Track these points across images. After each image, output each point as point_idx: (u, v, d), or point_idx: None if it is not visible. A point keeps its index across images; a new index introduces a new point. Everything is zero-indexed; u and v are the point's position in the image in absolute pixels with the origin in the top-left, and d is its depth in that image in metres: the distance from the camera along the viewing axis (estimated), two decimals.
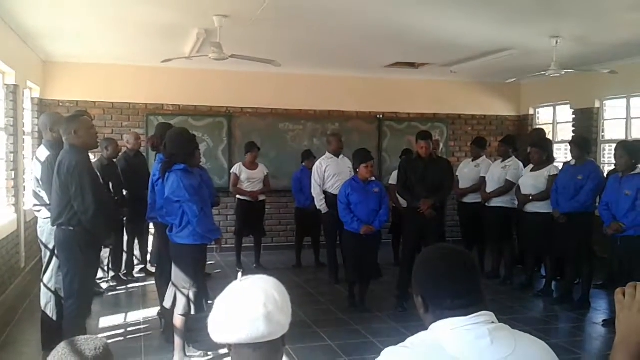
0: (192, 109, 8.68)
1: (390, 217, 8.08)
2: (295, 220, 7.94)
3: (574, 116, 8.55)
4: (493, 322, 1.51)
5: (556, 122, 9.22)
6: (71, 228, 3.93)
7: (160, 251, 4.91)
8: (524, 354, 1.48)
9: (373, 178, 5.63)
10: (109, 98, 8.31)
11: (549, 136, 8.92)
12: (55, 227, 4.01)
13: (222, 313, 1.40)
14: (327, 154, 6.99)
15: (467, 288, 1.53)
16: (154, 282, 5.62)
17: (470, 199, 7.18)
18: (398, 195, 6.57)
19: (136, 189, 6.50)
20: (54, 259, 4.24)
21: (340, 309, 5.72)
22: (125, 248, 6.84)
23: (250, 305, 1.37)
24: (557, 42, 6.06)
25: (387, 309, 5.70)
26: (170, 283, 4.28)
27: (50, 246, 4.26)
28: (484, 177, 6.94)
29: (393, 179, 7.25)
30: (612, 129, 8.14)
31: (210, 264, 7.62)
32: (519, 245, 6.85)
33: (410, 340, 1.53)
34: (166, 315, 4.62)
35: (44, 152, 4.42)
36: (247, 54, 5.86)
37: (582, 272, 5.88)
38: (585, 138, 6.45)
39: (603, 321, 5.37)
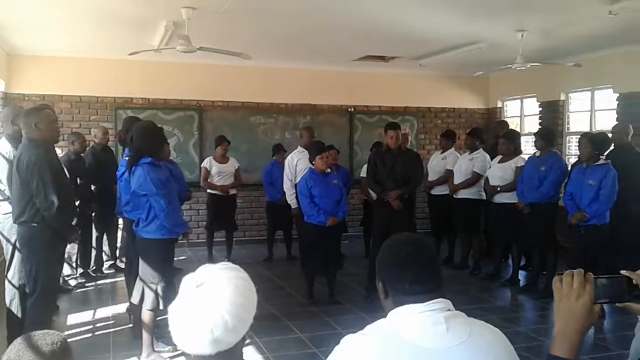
0: (162, 102, 8.58)
1: (362, 209, 8.27)
2: (267, 213, 7.94)
3: (540, 109, 8.72)
4: (449, 310, 1.55)
5: (523, 114, 9.39)
6: (34, 224, 3.87)
7: (128, 246, 4.86)
8: (478, 340, 1.51)
9: (329, 170, 5.66)
10: (76, 91, 8.16)
11: (517, 128, 9.10)
12: (17, 224, 3.93)
13: (171, 324, 1.31)
14: (299, 147, 6.98)
15: (426, 273, 1.57)
16: (123, 277, 5.56)
17: (439, 190, 7.29)
18: (369, 188, 6.61)
19: (104, 183, 6.43)
20: (17, 254, 4.16)
21: (311, 301, 5.73)
22: (93, 244, 6.75)
23: (196, 328, 1.27)
24: (522, 36, 6.16)
25: (357, 300, 5.74)
26: (138, 278, 4.24)
27: (12, 240, 4.18)
28: (452, 170, 7.03)
29: (364, 171, 7.29)
30: (577, 121, 8.31)
31: (181, 258, 7.59)
32: (487, 235, 6.97)
33: (369, 327, 1.56)
34: (135, 311, 4.58)
35: (5, 146, 4.33)
36: (215, 46, 5.81)
37: (547, 262, 6.01)
38: (550, 130, 6.58)
39: None
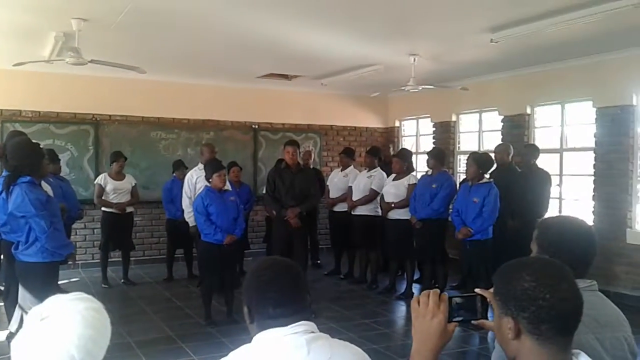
0: (54, 115, 8.14)
1: (265, 226, 8.28)
2: (166, 232, 7.72)
3: (434, 129, 9.18)
4: (313, 332, 1.58)
5: (419, 134, 9.84)
6: None
7: (6, 269, 4.55)
8: None
9: (228, 187, 5.63)
10: None
11: (413, 147, 9.53)
12: None
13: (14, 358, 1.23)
14: (200, 164, 6.88)
15: (290, 297, 1.59)
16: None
17: (339, 207, 7.45)
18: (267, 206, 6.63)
19: None
20: None
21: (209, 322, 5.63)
22: None
23: None
24: (415, 60, 6.48)
25: None
26: (17, 304, 3.98)
27: None
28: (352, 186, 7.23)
29: None
30: (467, 141, 8.83)
31: (74, 280, 7.21)
32: (383, 250, 7.19)
33: (232, 353, 1.57)
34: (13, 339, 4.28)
35: None
36: (110, 59, 5.63)
37: (438, 274, 6.31)
38: (441, 150, 6.95)
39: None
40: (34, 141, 4.18)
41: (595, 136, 6.71)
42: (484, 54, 6.49)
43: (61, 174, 6.84)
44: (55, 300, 1.30)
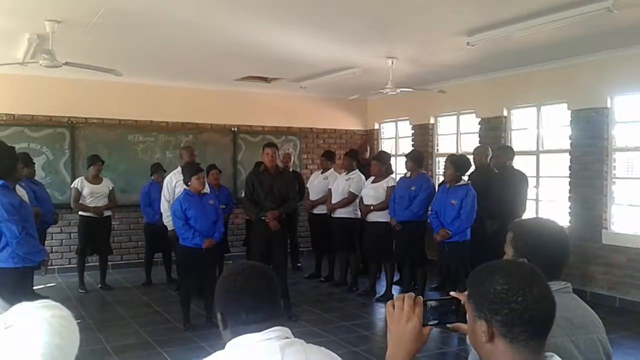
0: (29, 118, 8.01)
1: (245, 229, 8.22)
2: (145, 235, 7.64)
3: (413, 131, 9.23)
4: (287, 337, 1.56)
5: (398, 136, 9.88)
6: None
7: None
8: None
9: (207, 190, 5.59)
10: None
11: (393, 149, 9.56)
12: None
13: None
14: (179, 167, 6.80)
15: (263, 302, 1.57)
16: None
17: (319, 210, 7.45)
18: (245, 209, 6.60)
19: None
20: None
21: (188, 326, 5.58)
22: None
23: None
24: (392, 63, 6.51)
25: None
26: None
27: None
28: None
29: None
30: (445, 143, 8.89)
31: (50, 285, 7.10)
32: (362, 253, 7.20)
33: None
34: None
35: None
36: (85, 61, 5.55)
37: (417, 276, 6.34)
38: (419, 152, 6.98)
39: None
40: (8, 145, 4.09)
41: (570, 138, 6.81)
42: (461, 57, 6.54)
43: (37, 178, 6.74)
44: (21, 308, 1.25)
